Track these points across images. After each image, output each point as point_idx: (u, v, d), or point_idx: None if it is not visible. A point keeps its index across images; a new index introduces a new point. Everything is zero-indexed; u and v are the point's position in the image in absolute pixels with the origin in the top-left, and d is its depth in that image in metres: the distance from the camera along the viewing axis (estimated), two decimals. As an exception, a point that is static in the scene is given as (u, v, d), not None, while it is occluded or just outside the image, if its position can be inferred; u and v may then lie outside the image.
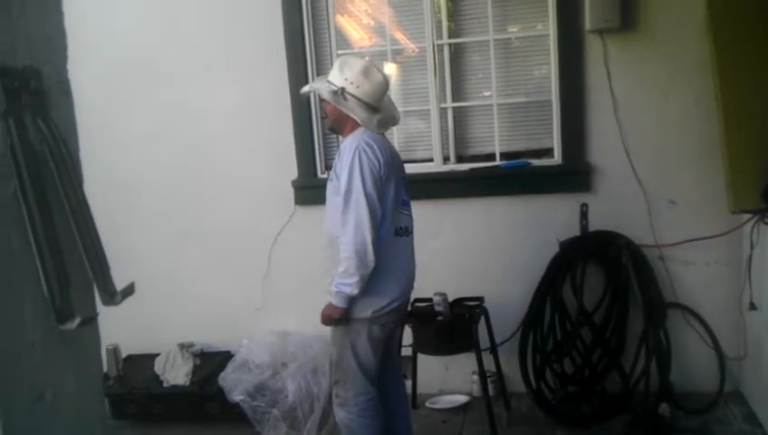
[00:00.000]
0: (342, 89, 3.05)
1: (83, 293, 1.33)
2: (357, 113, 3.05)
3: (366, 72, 3.07)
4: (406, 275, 3.25)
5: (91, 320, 1.31)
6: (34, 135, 1.24)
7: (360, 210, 2.94)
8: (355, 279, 2.96)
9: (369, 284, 3.01)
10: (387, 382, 3.39)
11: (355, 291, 2.98)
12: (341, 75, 3.08)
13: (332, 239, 3.07)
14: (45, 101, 1.28)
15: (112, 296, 1.33)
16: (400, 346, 3.95)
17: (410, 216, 3.26)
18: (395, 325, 3.30)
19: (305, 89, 3.46)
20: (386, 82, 3.14)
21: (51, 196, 1.25)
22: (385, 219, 3.05)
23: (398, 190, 3.14)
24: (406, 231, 3.21)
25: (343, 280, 2.98)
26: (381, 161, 3.00)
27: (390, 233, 3.10)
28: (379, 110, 3.14)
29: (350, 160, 2.97)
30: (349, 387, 3.17)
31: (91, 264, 1.30)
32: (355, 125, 3.09)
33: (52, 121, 1.27)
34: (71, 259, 1.27)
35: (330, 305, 3.06)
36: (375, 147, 3.01)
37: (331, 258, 3.10)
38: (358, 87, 3.05)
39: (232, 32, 4.54)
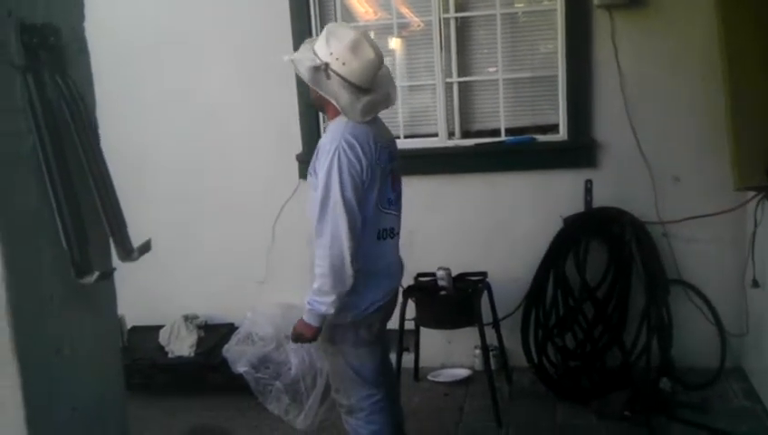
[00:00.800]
0: (326, 64, 2.64)
1: (101, 248, 1.35)
2: (339, 98, 2.65)
3: (355, 48, 2.65)
4: (389, 278, 2.95)
5: (108, 275, 1.32)
6: (52, 91, 1.25)
7: (337, 220, 2.59)
8: (331, 298, 2.64)
9: (348, 291, 2.70)
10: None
11: (330, 311, 2.66)
12: (327, 48, 2.66)
13: (313, 238, 2.71)
14: (63, 58, 1.29)
15: (129, 253, 1.34)
16: (402, 320, 3.98)
17: (397, 215, 2.92)
18: (382, 323, 2.99)
19: (286, 58, 2.85)
20: (377, 60, 2.71)
21: (68, 151, 1.26)
22: (365, 224, 2.70)
23: (383, 189, 2.78)
24: (390, 233, 2.87)
25: (318, 298, 2.65)
26: (364, 163, 2.62)
27: (372, 237, 2.77)
28: (370, 90, 2.73)
29: (328, 162, 2.60)
30: (350, 394, 2.93)
31: (108, 220, 1.31)
32: (337, 111, 2.71)
33: (70, 78, 1.27)
34: (88, 215, 1.28)
35: (301, 322, 2.74)
36: (357, 145, 2.62)
37: (311, 259, 2.74)
38: (344, 64, 2.64)
39: (237, 4, 4.52)
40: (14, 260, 1.17)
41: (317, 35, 4.35)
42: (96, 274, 1.23)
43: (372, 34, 4.59)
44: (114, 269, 1.35)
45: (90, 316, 1.34)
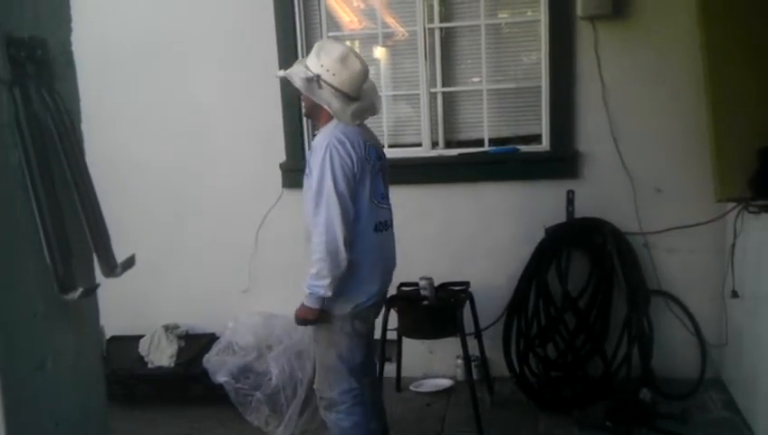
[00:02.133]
0: (318, 76, 2.91)
1: (85, 263, 1.33)
2: (331, 104, 2.92)
3: (344, 60, 2.92)
4: (386, 270, 3.20)
5: (92, 290, 1.31)
6: (39, 106, 1.23)
7: (330, 210, 2.84)
8: (327, 281, 2.86)
9: (350, 281, 2.95)
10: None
11: (329, 293, 2.89)
12: (318, 61, 2.94)
13: (310, 234, 2.95)
14: (50, 71, 1.27)
15: (113, 268, 1.32)
16: (384, 330, 3.98)
17: (389, 208, 3.17)
18: (375, 317, 3.24)
19: (280, 73, 3.16)
20: (364, 71, 3.00)
21: (54, 167, 1.24)
22: (361, 216, 2.96)
23: (375, 184, 3.03)
24: (385, 225, 3.12)
25: (316, 282, 2.88)
26: (354, 159, 2.88)
27: (369, 229, 3.01)
28: (358, 98, 3.01)
29: (321, 158, 2.86)
30: (333, 386, 3.09)
31: (92, 235, 1.30)
32: (329, 116, 2.97)
33: (57, 92, 1.26)
34: (72, 230, 1.26)
35: (303, 307, 2.97)
36: (347, 143, 2.89)
37: (308, 253, 2.97)
38: (334, 75, 2.91)
39: (222, 12, 4.51)
40: (-2, 274, 1.15)
41: (301, 45, 4.40)
42: (80, 290, 1.22)
43: (357, 44, 4.60)
44: (98, 285, 1.33)
45: (72, 330, 1.33)
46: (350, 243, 2.88)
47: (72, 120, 1.28)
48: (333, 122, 2.96)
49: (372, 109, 3.10)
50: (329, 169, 2.84)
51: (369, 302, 3.07)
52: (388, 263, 3.21)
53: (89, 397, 1.42)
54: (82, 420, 1.39)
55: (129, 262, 1.36)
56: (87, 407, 1.41)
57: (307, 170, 2.99)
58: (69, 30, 1.35)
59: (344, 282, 2.93)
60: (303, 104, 3.15)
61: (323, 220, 2.85)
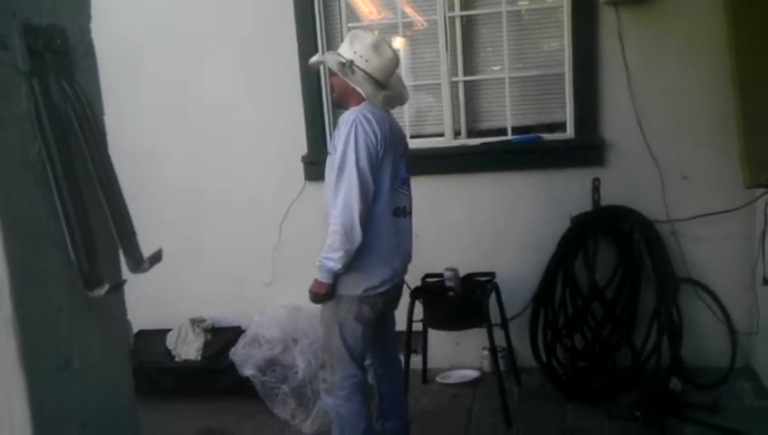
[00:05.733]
0: (351, 62, 2.98)
1: (110, 259, 1.31)
2: (364, 87, 2.97)
3: (376, 47, 3.00)
4: (401, 257, 3.17)
5: (118, 287, 1.28)
6: (59, 96, 1.20)
7: (350, 184, 2.86)
8: (339, 254, 2.87)
9: (363, 262, 2.96)
10: (380, 362, 3.41)
11: (338, 265, 2.90)
12: (351, 48, 3.01)
13: (328, 215, 2.98)
14: (70, 61, 1.24)
15: (140, 263, 1.30)
16: (410, 322, 3.97)
17: (409, 196, 3.18)
18: (385, 307, 3.18)
19: (314, 59, 3.31)
20: (396, 59, 3.09)
21: (76, 159, 1.22)
22: (380, 197, 2.97)
23: (397, 168, 3.06)
24: (404, 211, 3.13)
25: (328, 254, 2.90)
26: (378, 136, 2.91)
27: (388, 212, 3.03)
28: (387, 87, 3.08)
29: (346, 132, 2.90)
30: (336, 370, 3.09)
31: (117, 229, 1.27)
32: (360, 99, 3.00)
33: (77, 83, 1.23)
34: (97, 225, 1.24)
35: (315, 281, 3.01)
36: (373, 121, 2.92)
37: (326, 234, 3.00)
38: (367, 61, 2.99)
39: (241, 6, 4.50)
40: (21, 271, 1.12)
41: (321, 37, 4.38)
42: (106, 286, 1.19)
43: (376, 34, 4.56)
44: (125, 281, 1.31)
45: (99, 329, 1.30)
46: (366, 220, 2.90)
47: (93, 111, 1.25)
48: (363, 103, 3.00)
49: (401, 98, 3.20)
50: (353, 143, 2.87)
51: (381, 287, 3.05)
52: (405, 249, 3.19)
53: (117, 397, 1.39)
54: (111, 421, 1.37)
55: (157, 256, 1.33)
56: (115, 407, 1.39)
57: (331, 148, 3.04)
58: (88, 17, 1.32)
59: (357, 261, 2.94)
60: (334, 90, 3.18)
61: (343, 193, 2.87)
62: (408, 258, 3.23)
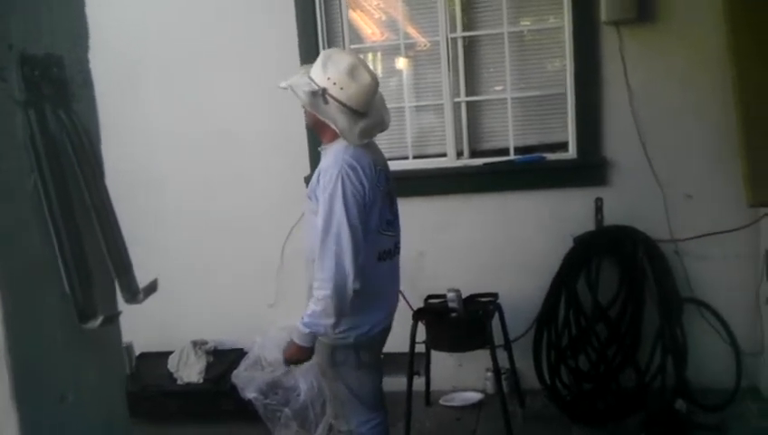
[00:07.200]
0: (324, 90, 2.64)
1: (105, 291, 1.30)
2: (337, 121, 2.64)
3: (352, 72, 2.65)
4: (388, 300, 2.97)
5: (113, 318, 1.28)
6: (55, 127, 1.20)
7: (341, 243, 2.57)
8: (332, 320, 2.63)
9: (351, 310, 2.67)
10: None
11: (329, 332, 2.69)
12: (324, 73, 2.67)
13: (311, 262, 2.73)
14: (67, 90, 1.24)
15: (135, 295, 1.29)
16: (413, 343, 3.94)
17: (395, 235, 2.91)
18: (381, 346, 3.00)
19: (282, 84, 2.78)
20: (374, 84, 2.72)
21: (72, 191, 1.21)
22: (366, 247, 2.69)
23: (383, 211, 2.79)
24: (389, 254, 2.86)
25: (320, 320, 2.63)
26: (367, 187, 2.63)
27: (372, 258, 2.75)
28: (366, 114, 2.73)
29: (331, 187, 2.60)
30: (350, 419, 2.92)
31: (113, 261, 1.26)
32: (335, 133, 2.70)
33: (74, 113, 1.23)
34: (92, 256, 1.23)
35: (295, 346, 2.74)
36: (359, 169, 2.63)
37: (309, 281, 2.76)
38: (342, 89, 2.64)
39: (245, 26, 4.51)
40: (15, 303, 1.11)
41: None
42: (100, 318, 1.18)
43: (379, 55, 4.58)
44: (119, 312, 1.30)
45: (94, 361, 1.29)
46: (358, 278, 2.62)
47: (90, 141, 1.25)
48: (341, 142, 2.71)
49: (381, 125, 2.85)
50: (340, 199, 2.58)
51: (372, 332, 2.83)
52: (392, 293, 3.01)
53: (112, 427, 1.38)
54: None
55: (152, 287, 1.33)
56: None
57: (311, 194, 2.77)
58: (86, 47, 1.32)
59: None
60: (306, 117, 2.91)
61: (332, 255, 2.58)
62: (395, 300, 3.06)
